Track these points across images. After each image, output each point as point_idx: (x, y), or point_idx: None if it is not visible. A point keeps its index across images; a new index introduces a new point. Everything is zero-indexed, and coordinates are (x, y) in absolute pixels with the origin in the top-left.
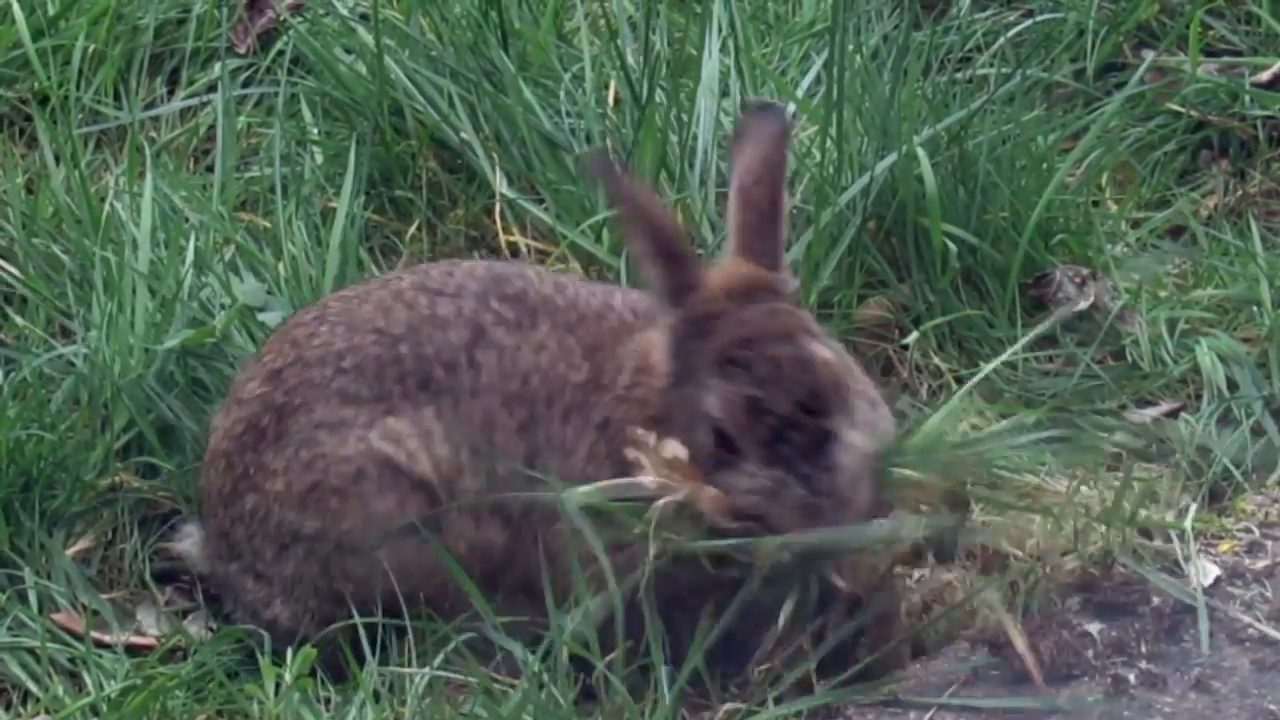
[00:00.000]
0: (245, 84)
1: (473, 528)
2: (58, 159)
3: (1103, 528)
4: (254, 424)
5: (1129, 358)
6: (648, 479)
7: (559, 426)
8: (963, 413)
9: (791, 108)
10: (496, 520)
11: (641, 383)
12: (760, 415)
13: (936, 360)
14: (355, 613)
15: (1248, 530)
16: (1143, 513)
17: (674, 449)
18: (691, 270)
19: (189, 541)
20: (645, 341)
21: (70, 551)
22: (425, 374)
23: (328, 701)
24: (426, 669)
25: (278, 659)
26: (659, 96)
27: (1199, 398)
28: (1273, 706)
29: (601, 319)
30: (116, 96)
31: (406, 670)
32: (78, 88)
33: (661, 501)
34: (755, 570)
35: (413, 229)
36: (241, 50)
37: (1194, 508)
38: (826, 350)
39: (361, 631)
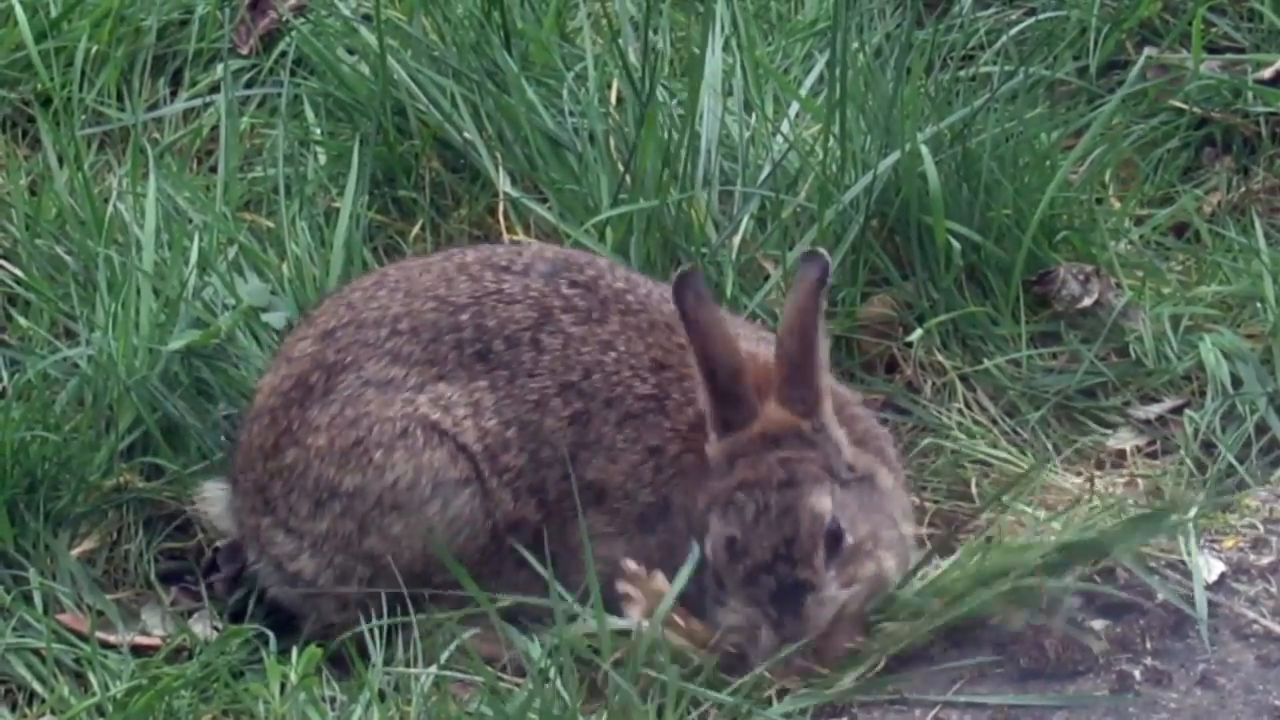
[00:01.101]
0: (248, 85)
1: (511, 501)
2: (61, 160)
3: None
4: (302, 381)
5: (1133, 355)
6: (635, 614)
7: (612, 430)
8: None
9: (826, 259)
10: (534, 501)
11: (699, 431)
12: (739, 557)
13: (940, 357)
14: (379, 575)
15: (1252, 526)
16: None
17: (659, 583)
18: (742, 408)
19: (209, 501)
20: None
21: (75, 552)
22: (485, 346)
23: (333, 701)
24: (432, 667)
25: (283, 658)
26: (661, 95)
27: (1203, 394)
28: (1278, 702)
29: (673, 331)
30: (119, 98)
31: (412, 671)
32: (80, 89)
33: (642, 635)
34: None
35: (416, 229)
36: (244, 51)
37: (1196, 503)
38: (825, 501)
39: (367, 635)
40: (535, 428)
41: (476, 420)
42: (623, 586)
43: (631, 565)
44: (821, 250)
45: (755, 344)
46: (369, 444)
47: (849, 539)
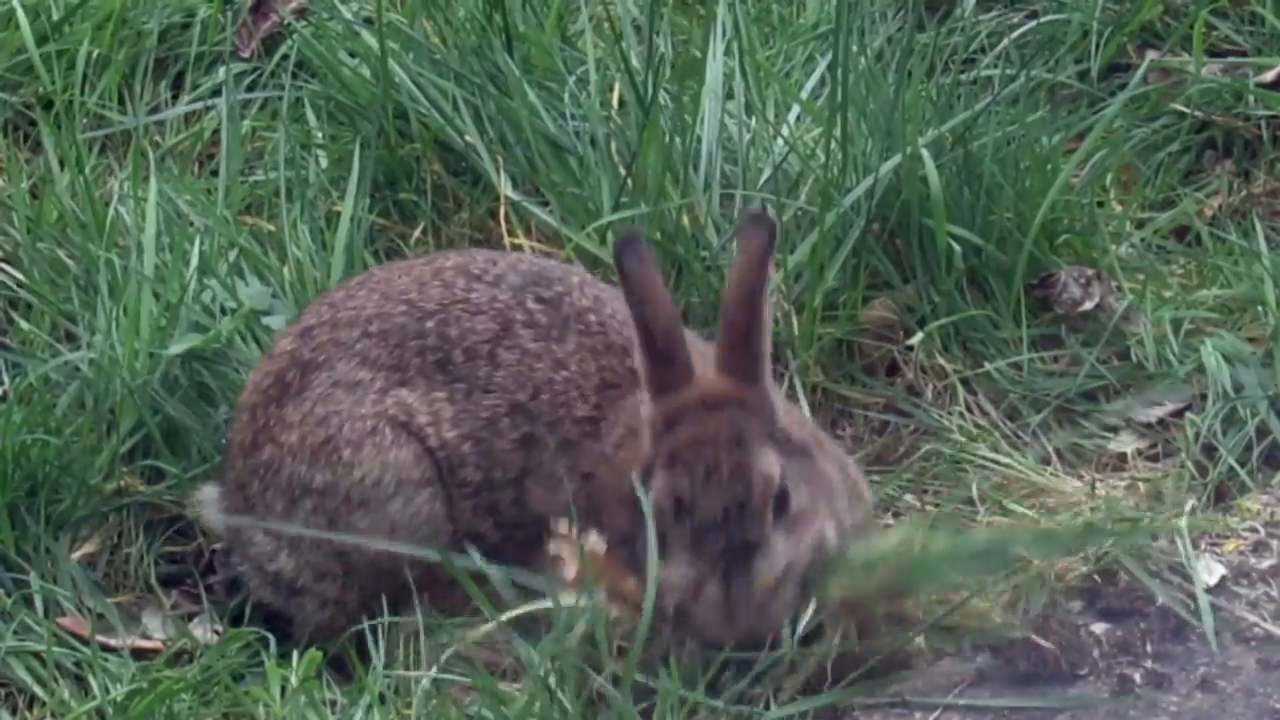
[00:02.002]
0: (249, 88)
1: (469, 514)
2: (62, 164)
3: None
4: (280, 378)
5: (1134, 358)
6: (569, 574)
7: (550, 458)
8: (914, 539)
9: (772, 221)
10: (490, 520)
11: (624, 450)
12: (686, 515)
13: (941, 361)
14: (351, 572)
15: (1253, 530)
16: (1147, 513)
17: (594, 543)
18: (678, 370)
19: (205, 503)
20: (638, 406)
21: (76, 555)
22: (445, 355)
23: (333, 704)
24: (432, 670)
25: (283, 662)
26: (662, 99)
27: (1204, 398)
28: (1278, 705)
29: (626, 356)
30: (121, 101)
31: (412, 674)
32: (82, 92)
33: (570, 597)
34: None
35: (417, 232)
36: (246, 54)
37: (1197, 507)
38: (774, 463)
39: (368, 637)
40: (488, 447)
41: (437, 430)
42: (554, 548)
43: (562, 526)
44: (768, 210)
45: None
46: (339, 441)
47: (794, 503)
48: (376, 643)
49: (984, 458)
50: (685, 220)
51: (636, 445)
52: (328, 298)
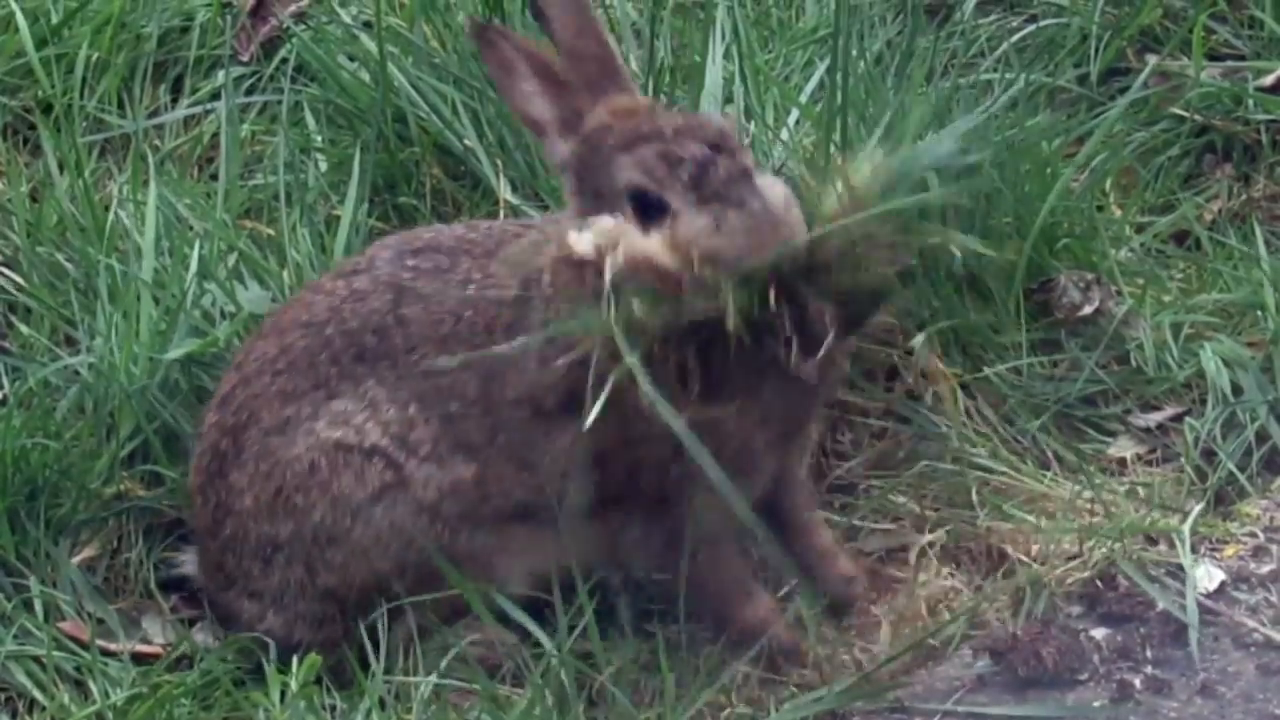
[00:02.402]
0: (249, 92)
1: (436, 470)
2: (61, 167)
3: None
4: (215, 451)
5: (1133, 362)
6: (615, 259)
7: (506, 351)
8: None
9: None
10: (459, 456)
11: (561, 269)
12: (678, 163)
13: (941, 365)
14: (346, 607)
15: (1253, 535)
16: (1147, 518)
17: (605, 222)
18: (579, 97)
19: (191, 565)
20: (558, 231)
21: (76, 560)
22: (358, 347)
23: (333, 709)
24: (431, 675)
25: (283, 667)
26: (661, 102)
27: (1203, 402)
28: (1278, 711)
29: (520, 238)
30: (120, 105)
31: (412, 679)
32: (81, 96)
33: (620, 256)
34: (729, 317)
35: None
36: (245, 58)
37: (1197, 512)
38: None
39: (367, 644)
40: (434, 388)
41: (376, 417)
42: (583, 245)
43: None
44: None
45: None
46: (287, 489)
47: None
48: (376, 648)
49: (983, 462)
50: None
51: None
52: (235, 362)
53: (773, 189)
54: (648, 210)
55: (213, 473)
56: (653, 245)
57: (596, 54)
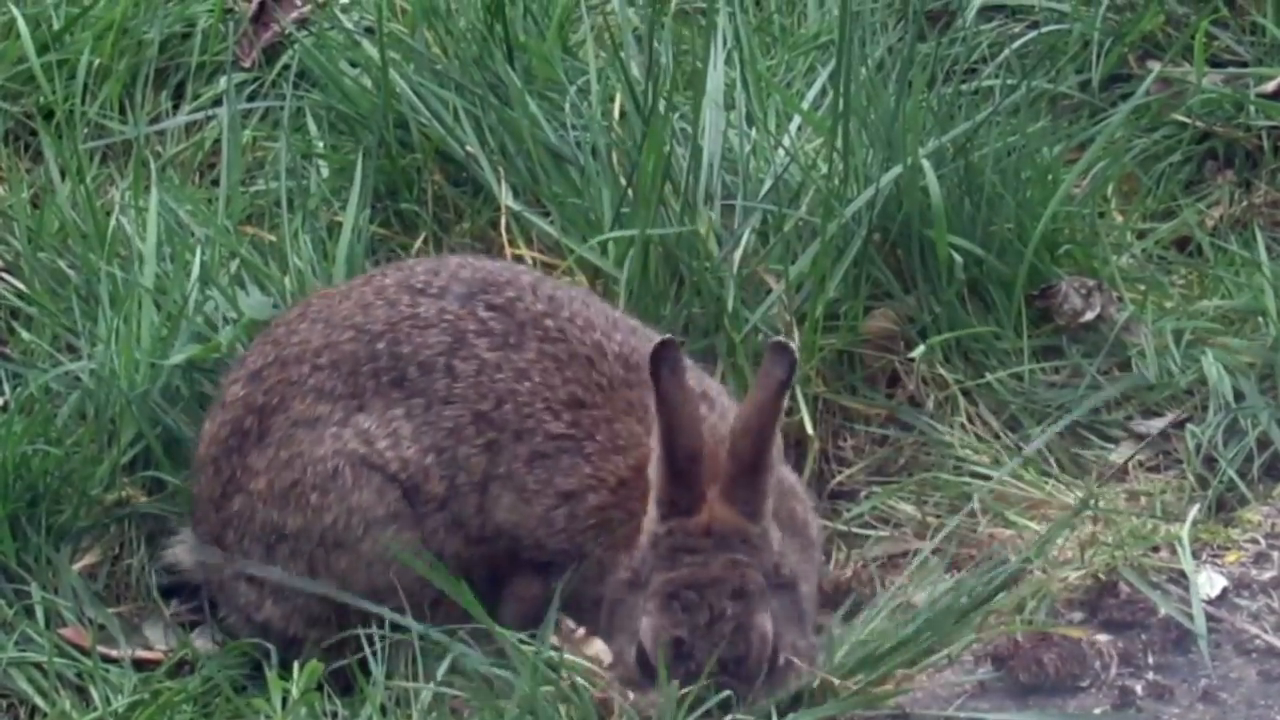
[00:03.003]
0: (250, 98)
1: (440, 531)
2: (63, 174)
3: (1109, 539)
4: (238, 427)
5: (1135, 369)
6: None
7: (522, 467)
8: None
9: (794, 355)
10: (459, 535)
11: (623, 498)
12: (683, 660)
13: (942, 371)
14: (340, 611)
15: (1254, 541)
16: (1148, 525)
17: (598, 650)
18: (692, 494)
19: (182, 548)
20: (645, 457)
21: (77, 566)
22: (399, 373)
23: (334, 715)
24: (432, 683)
25: (284, 673)
26: (663, 109)
27: (1205, 409)
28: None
29: (591, 366)
30: (122, 111)
31: (412, 685)
32: (83, 102)
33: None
34: None
35: (418, 242)
36: (246, 64)
37: (1198, 518)
38: (769, 621)
39: (366, 645)
40: (451, 455)
41: (397, 450)
42: (560, 643)
43: (570, 624)
44: (790, 343)
45: (723, 412)
46: (304, 485)
47: (781, 660)
48: (377, 655)
49: (985, 469)
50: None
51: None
52: (269, 335)
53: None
54: (644, 668)
55: (231, 447)
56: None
57: (747, 461)
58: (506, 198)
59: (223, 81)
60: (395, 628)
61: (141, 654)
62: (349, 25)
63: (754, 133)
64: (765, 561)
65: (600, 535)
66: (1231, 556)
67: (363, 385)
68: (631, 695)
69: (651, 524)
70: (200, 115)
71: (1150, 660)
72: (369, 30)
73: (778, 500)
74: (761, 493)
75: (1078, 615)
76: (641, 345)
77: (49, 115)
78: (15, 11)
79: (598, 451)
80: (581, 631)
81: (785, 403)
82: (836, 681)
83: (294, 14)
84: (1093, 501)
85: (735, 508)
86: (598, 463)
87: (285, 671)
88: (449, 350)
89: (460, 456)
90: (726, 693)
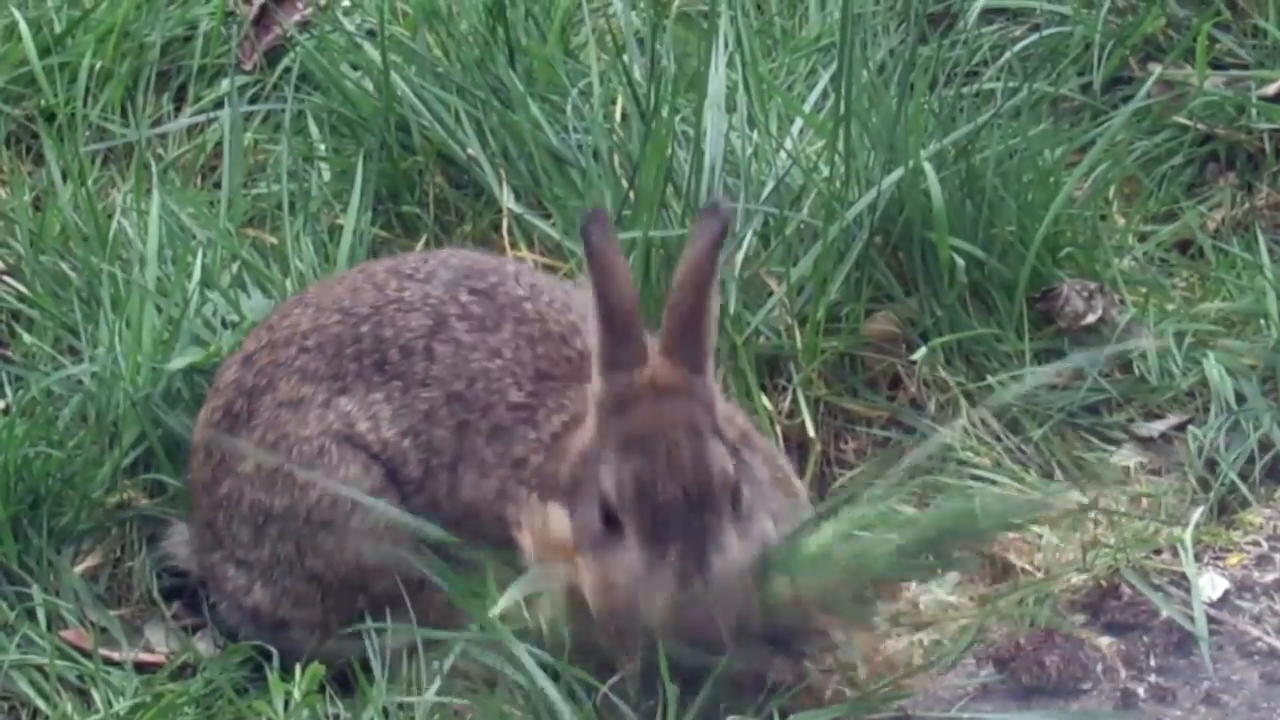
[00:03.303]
0: (252, 100)
1: (422, 517)
2: (65, 176)
3: (1111, 541)
4: (229, 410)
5: (1136, 371)
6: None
7: (483, 443)
8: (858, 522)
9: (727, 213)
10: (437, 517)
11: (566, 438)
12: (646, 497)
13: (944, 374)
14: (327, 593)
15: (1256, 544)
16: (1150, 527)
17: (558, 521)
18: (632, 350)
19: (177, 540)
20: (585, 394)
21: (78, 569)
22: (381, 355)
23: (336, 718)
24: (435, 684)
25: (286, 675)
26: (665, 112)
27: (1206, 411)
28: None
29: (564, 344)
30: (123, 113)
31: (415, 699)
32: (84, 105)
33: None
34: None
35: (420, 245)
36: (248, 67)
37: (1200, 520)
38: (727, 457)
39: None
40: (427, 439)
41: (377, 433)
42: (513, 514)
43: (532, 497)
44: (722, 201)
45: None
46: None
47: (745, 499)
48: (379, 656)
49: (986, 471)
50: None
51: (579, 432)
52: (266, 322)
53: (727, 562)
54: (610, 522)
55: (222, 430)
56: (584, 576)
57: (686, 315)
58: (508, 200)
59: (224, 84)
60: (389, 614)
61: (143, 656)
62: (350, 28)
63: (755, 135)
64: (714, 415)
65: (539, 486)
66: (1233, 559)
67: (346, 368)
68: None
69: (596, 387)
70: (202, 118)
71: (1152, 663)
72: (370, 33)
73: (751, 437)
74: (703, 347)
75: (1079, 618)
76: None
77: (50, 118)
78: (17, 14)
79: (544, 418)
80: (534, 497)
81: (720, 260)
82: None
83: (295, 17)
84: (1095, 504)
85: (677, 362)
86: (543, 427)
87: (287, 674)
88: (429, 333)
89: (435, 440)
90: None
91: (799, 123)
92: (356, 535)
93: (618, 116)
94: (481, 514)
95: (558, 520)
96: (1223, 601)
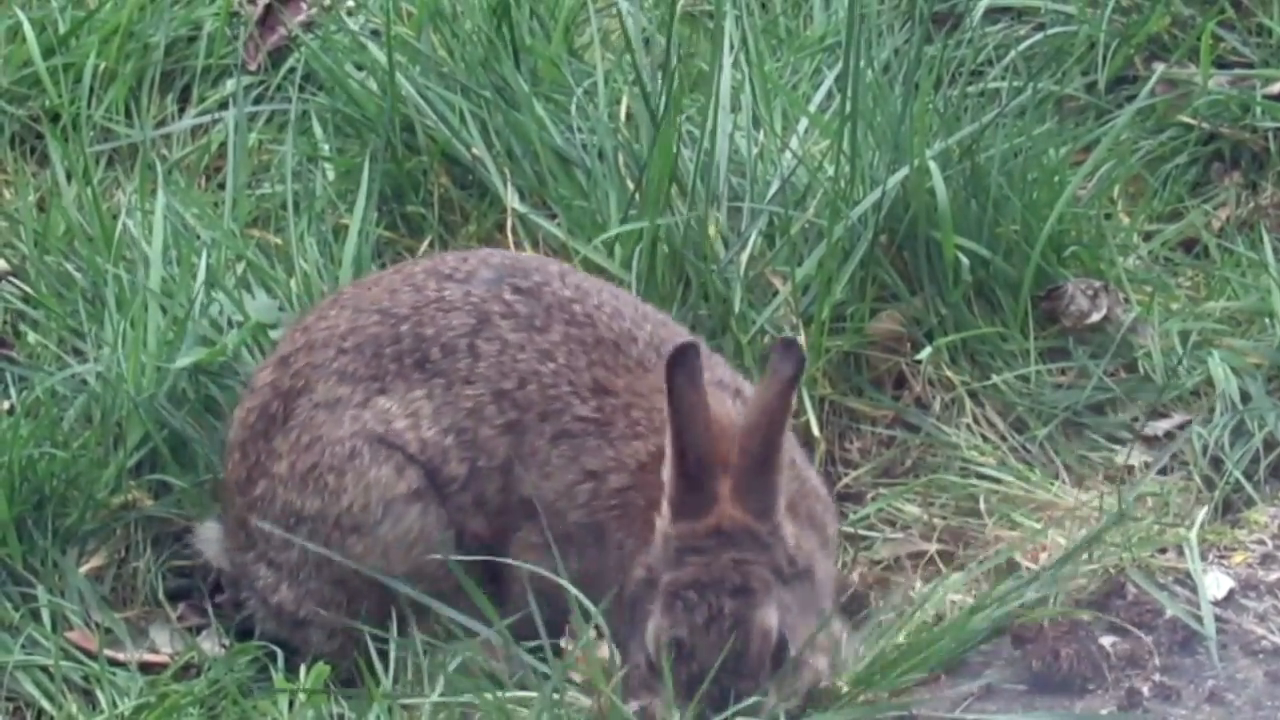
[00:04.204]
0: (256, 101)
1: (460, 513)
2: (69, 177)
3: (1116, 540)
4: (265, 411)
5: (1141, 370)
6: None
7: (546, 445)
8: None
9: (802, 353)
10: (480, 514)
11: (653, 469)
12: (684, 661)
13: (949, 373)
14: (353, 597)
15: (1260, 542)
16: (1155, 526)
17: (607, 653)
18: (703, 496)
19: (207, 540)
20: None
21: (83, 569)
22: (422, 354)
23: (341, 718)
24: (439, 686)
25: (291, 675)
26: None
27: (1212, 410)
28: None
29: (619, 351)
30: (128, 114)
31: (420, 700)
32: (89, 105)
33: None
34: None
35: (424, 245)
36: (252, 67)
37: (1205, 519)
38: (774, 615)
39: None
40: (472, 435)
41: (416, 431)
42: (567, 642)
43: (581, 630)
44: (797, 339)
45: (732, 396)
46: (323, 468)
47: (792, 651)
48: (385, 656)
49: (991, 470)
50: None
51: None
52: (301, 323)
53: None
54: (651, 670)
55: (258, 432)
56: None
57: (756, 458)
58: (513, 200)
59: (228, 85)
60: (405, 623)
61: (148, 657)
62: (354, 28)
63: (761, 135)
64: (776, 558)
65: (620, 516)
66: (1238, 557)
67: (385, 367)
68: (634, 704)
69: (663, 524)
70: (206, 119)
71: (1157, 661)
72: (375, 33)
73: (797, 498)
74: (772, 491)
75: (1085, 616)
76: (671, 337)
77: (55, 118)
78: (21, 15)
79: (620, 436)
80: (592, 634)
81: (794, 400)
82: (845, 688)
83: (300, 17)
84: (1108, 505)
85: (745, 507)
86: (620, 447)
87: (292, 674)
88: (472, 331)
89: (480, 439)
90: (750, 700)
91: (804, 122)
92: (386, 542)
93: (623, 116)
94: (541, 509)
95: (605, 650)
96: (1227, 600)
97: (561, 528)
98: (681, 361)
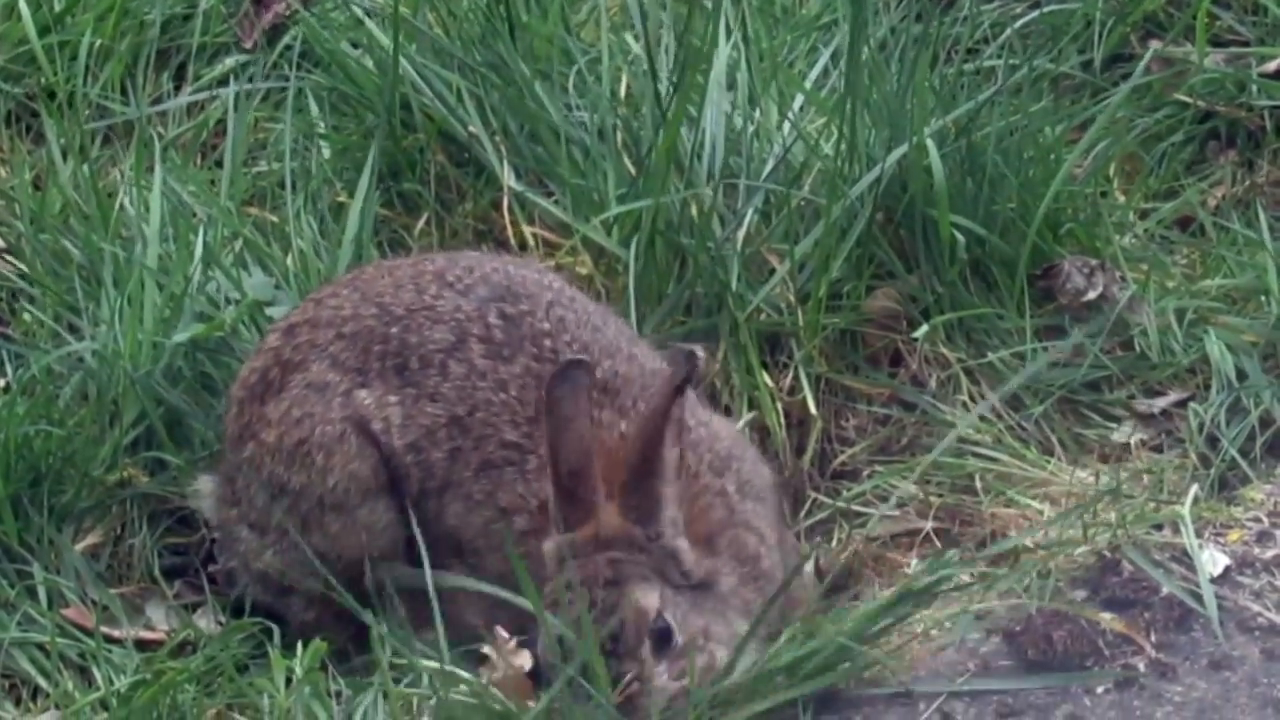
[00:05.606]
0: (252, 79)
1: (414, 518)
2: (65, 154)
3: (1112, 517)
4: (265, 375)
5: (1137, 348)
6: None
7: (472, 475)
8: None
9: (695, 364)
10: (422, 529)
11: (542, 524)
12: (570, 656)
13: (945, 351)
14: (330, 569)
15: (1257, 520)
16: (1150, 503)
17: (524, 661)
18: (580, 509)
19: (201, 494)
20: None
21: (79, 547)
22: (403, 360)
23: (338, 695)
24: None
25: (287, 652)
26: (667, 89)
27: (1207, 387)
28: None
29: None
30: (123, 91)
31: (415, 692)
32: (85, 83)
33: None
34: None
35: (421, 223)
36: (248, 45)
37: (1201, 496)
38: (652, 598)
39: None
40: (425, 458)
41: (388, 435)
42: (488, 649)
43: (502, 633)
44: (696, 350)
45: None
46: (311, 445)
47: (678, 636)
48: (381, 636)
49: (987, 448)
50: (693, 210)
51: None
52: (317, 294)
53: (654, 701)
54: (551, 670)
55: (256, 393)
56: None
57: (636, 469)
58: (509, 178)
59: (225, 62)
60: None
61: (144, 634)
62: (351, 5)
63: (757, 113)
64: (660, 562)
65: (528, 561)
66: (1234, 535)
67: (371, 364)
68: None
69: (548, 544)
70: (202, 96)
71: (1153, 638)
72: (370, 11)
73: (720, 527)
74: (653, 498)
75: (1081, 593)
76: (626, 371)
77: (51, 96)
78: None
79: (535, 469)
80: (513, 642)
81: (677, 411)
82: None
83: None
84: (1104, 483)
85: (625, 515)
86: (530, 482)
87: (288, 651)
88: (449, 349)
89: (430, 461)
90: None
91: (800, 100)
92: (361, 527)
93: (622, 93)
94: (463, 544)
95: (523, 658)
96: (1223, 577)
97: (481, 567)
98: (565, 377)
